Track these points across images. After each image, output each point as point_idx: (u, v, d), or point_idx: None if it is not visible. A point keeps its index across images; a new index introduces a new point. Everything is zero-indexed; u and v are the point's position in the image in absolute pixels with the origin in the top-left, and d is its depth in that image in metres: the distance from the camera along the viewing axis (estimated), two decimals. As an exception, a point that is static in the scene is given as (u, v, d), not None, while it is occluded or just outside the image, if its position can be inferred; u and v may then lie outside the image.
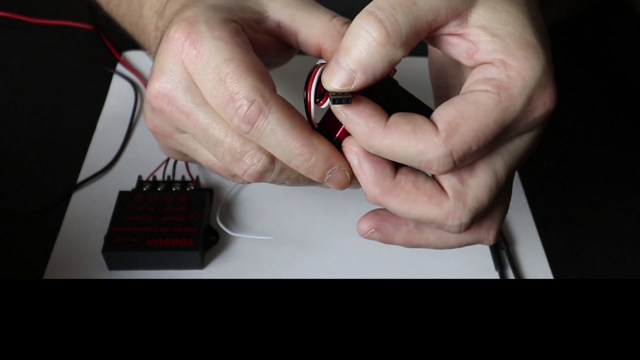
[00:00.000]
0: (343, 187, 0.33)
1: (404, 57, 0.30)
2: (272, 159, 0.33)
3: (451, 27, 0.30)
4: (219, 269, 0.44)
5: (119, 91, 0.57)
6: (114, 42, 0.60)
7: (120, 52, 0.60)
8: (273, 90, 0.32)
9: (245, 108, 0.31)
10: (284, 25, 0.36)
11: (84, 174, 0.49)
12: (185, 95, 0.33)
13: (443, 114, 0.30)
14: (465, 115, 0.29)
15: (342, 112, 0.31)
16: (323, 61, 0.35)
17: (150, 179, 0.47)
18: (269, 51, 0.36)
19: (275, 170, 0.33)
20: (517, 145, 0.32)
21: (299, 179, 0.34)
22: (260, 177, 0.33)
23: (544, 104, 0.31)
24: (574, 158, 0.53)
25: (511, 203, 0.49)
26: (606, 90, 0.61)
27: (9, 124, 0.54)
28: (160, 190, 0.46)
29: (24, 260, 0.44)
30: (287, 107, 0.32)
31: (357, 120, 0.30)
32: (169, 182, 0.47)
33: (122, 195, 0.45)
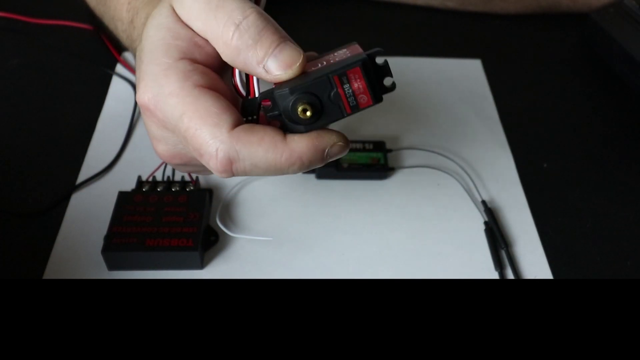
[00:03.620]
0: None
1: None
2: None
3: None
4: (218, 269, 0.44)
5: (118, 92, 0.57)
6: (113, 43, 0.60)
7: (120, 52, 0.60)
8: (232, 124, 0.31)
9: (213, 162, 0.31)
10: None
11: (83, 175, 0.49)
12: (183, 149, 0.35)
13: None
14: None
15: None
16: None
17: (150, 179, 0.47)
18: None
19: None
20: None
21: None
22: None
23: None
24: (574, 158, 0.53)
25: (511, 203, 0.49)
26: (606, 91, 0.61)
27: (9, 124, 0.54)
28: (160, 191, 0.46)
29: (23, 260, 0.44)
30: (251, 132, 0.31)
31: None
32: (169, 183, 0.47)
33: (122, 196, 0.45)
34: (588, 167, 0.53)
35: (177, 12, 0.33)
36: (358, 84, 0.31)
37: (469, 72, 0.61)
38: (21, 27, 0.63)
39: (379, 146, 0.51)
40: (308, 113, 0.31)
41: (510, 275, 0.44)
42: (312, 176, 0.50)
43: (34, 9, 0.65)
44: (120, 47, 0.60)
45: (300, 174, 0.50)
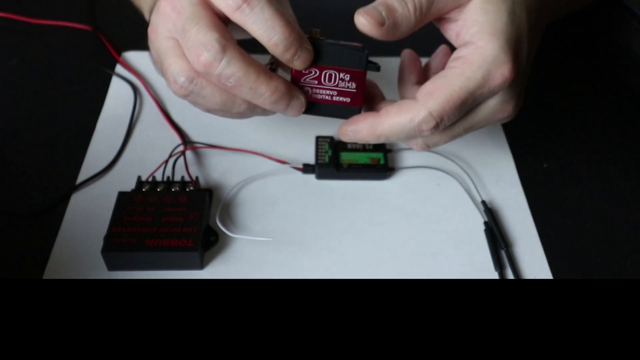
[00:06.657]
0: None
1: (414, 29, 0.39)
2: (224, 49, 0.36)
3: (451, 14, 0.40)
4: (218, 270, 0.44)
5: (118, 92, 0.57)
6: (113, 43, 0.60)
7: (119, 52, 0.60)
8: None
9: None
10: None
11: (83, 175, 0.49)
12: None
13: (421, 89, 0.39)
14: (438, 85, 0.38)
15: (348, 131, 0.41)
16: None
17: (150, 179, 0.47)
18: None
19: (223, 60, 0.36)
20: (485, 108, 0.40)
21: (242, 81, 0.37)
22: (209, 65, 0.36)
23: (502, 75, 0.38)
24: (574, 158, 0.53)
25: (511, 203, 0.49)
26: (606, 90, 0.61)
27: (9, 124, 0.54)
28: (160, 191, 0.46)
29: (23, 261, 0.44)
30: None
31: (362, 125, 0.40)
32: (169, 183, 0.47)
33: (122, 196, 0.45)
34: (588, 167, 0.52)
35: None
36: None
37: (469, 72, 0.61)
38: (21, 27, 0.63)
39: (379, 146, 0.51)
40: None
41: (510, 275, 0.44)
42: (312, 176, 0.50)
43: (34, 9, 0.65)
44: (120, 47, 0.60)
45: (300, 174, 0.50)
